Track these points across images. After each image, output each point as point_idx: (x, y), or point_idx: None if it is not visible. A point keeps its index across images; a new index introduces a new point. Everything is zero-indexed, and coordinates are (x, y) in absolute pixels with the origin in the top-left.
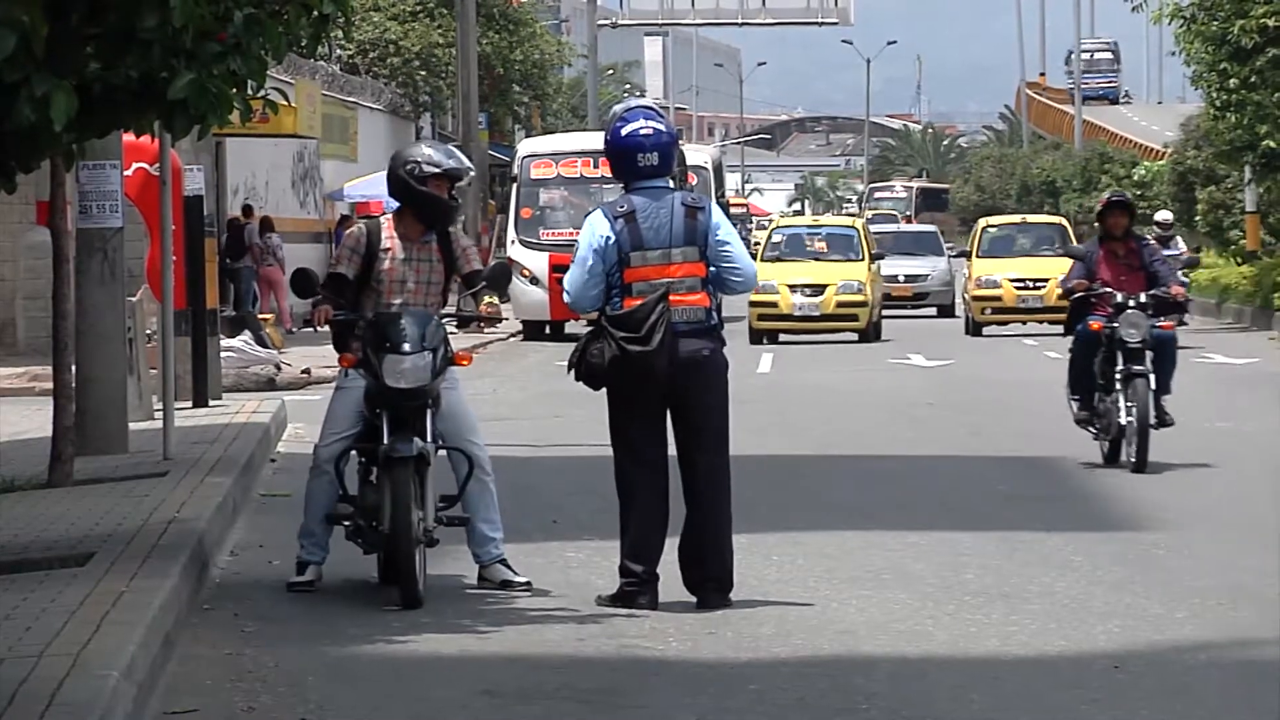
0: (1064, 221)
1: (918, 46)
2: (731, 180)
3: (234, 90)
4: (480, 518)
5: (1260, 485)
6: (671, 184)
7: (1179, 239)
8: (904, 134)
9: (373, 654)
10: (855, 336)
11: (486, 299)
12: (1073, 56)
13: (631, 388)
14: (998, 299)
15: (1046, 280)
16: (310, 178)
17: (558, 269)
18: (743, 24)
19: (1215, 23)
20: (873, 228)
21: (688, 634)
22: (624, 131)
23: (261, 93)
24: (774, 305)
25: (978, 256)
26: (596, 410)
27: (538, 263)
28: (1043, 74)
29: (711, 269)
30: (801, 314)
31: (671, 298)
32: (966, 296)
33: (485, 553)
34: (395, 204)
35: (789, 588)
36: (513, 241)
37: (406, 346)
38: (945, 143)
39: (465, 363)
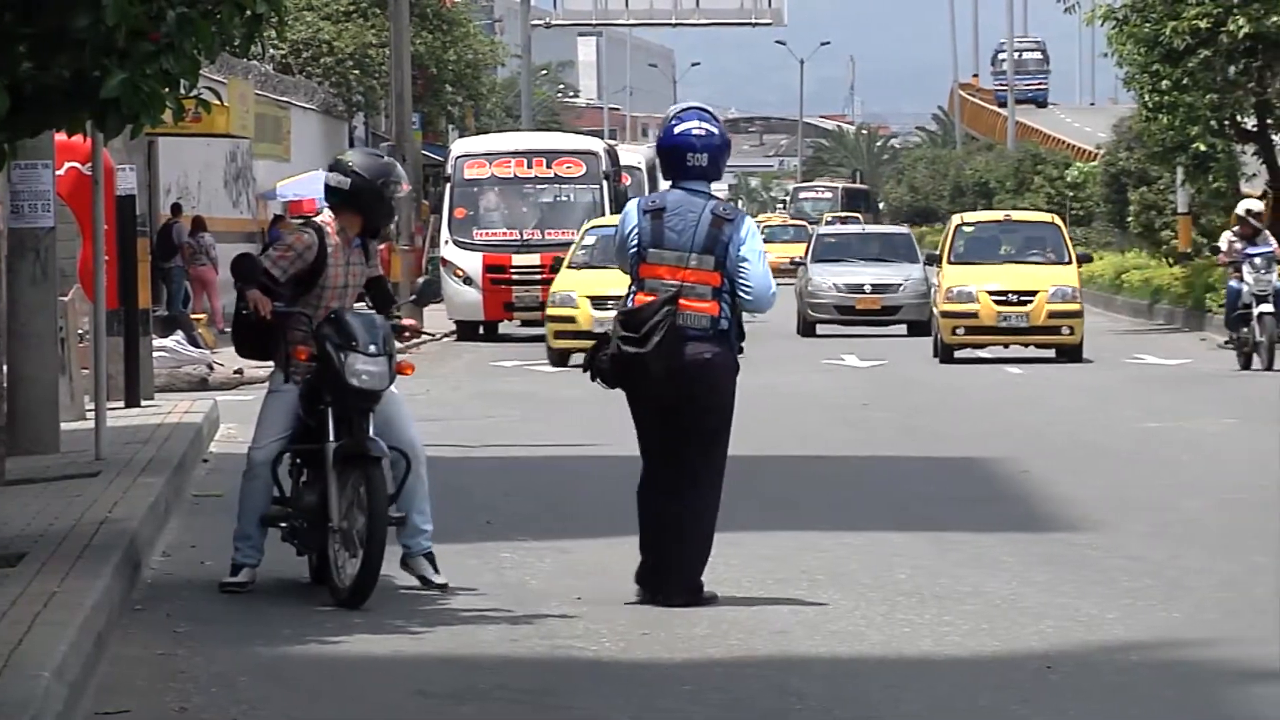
0: (1058, 220)
1: (851, 47)
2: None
3: (166, 90)
4: (413, 509)
5: (1192, 485)
6: (711, 189)
7: (1267, 233)
8: (838, 135)
9: (305, 655)
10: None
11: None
12: (1000, 57)
13: (631, 387)
14: (973, 315)
15: (1034, 294)
16: (243, 177)
17: (491, 269)
18: (676, 24)
19: (1147, 25)
20: (838, 229)
21: (621, 634)
22: (677, 130)
23: (194, 92)
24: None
25: (950, 263)
26: (531, 410)
27: (471, 263)
28: (975, 75)
29: (726, 281)
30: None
31: (684, 302)
32: (935, 311)
33: (416, 544)
34: (326, 204)
35: (724, 588)
36: (446, 242)
37: (372, 348)
38: (879, 144)
39: (409, 371)
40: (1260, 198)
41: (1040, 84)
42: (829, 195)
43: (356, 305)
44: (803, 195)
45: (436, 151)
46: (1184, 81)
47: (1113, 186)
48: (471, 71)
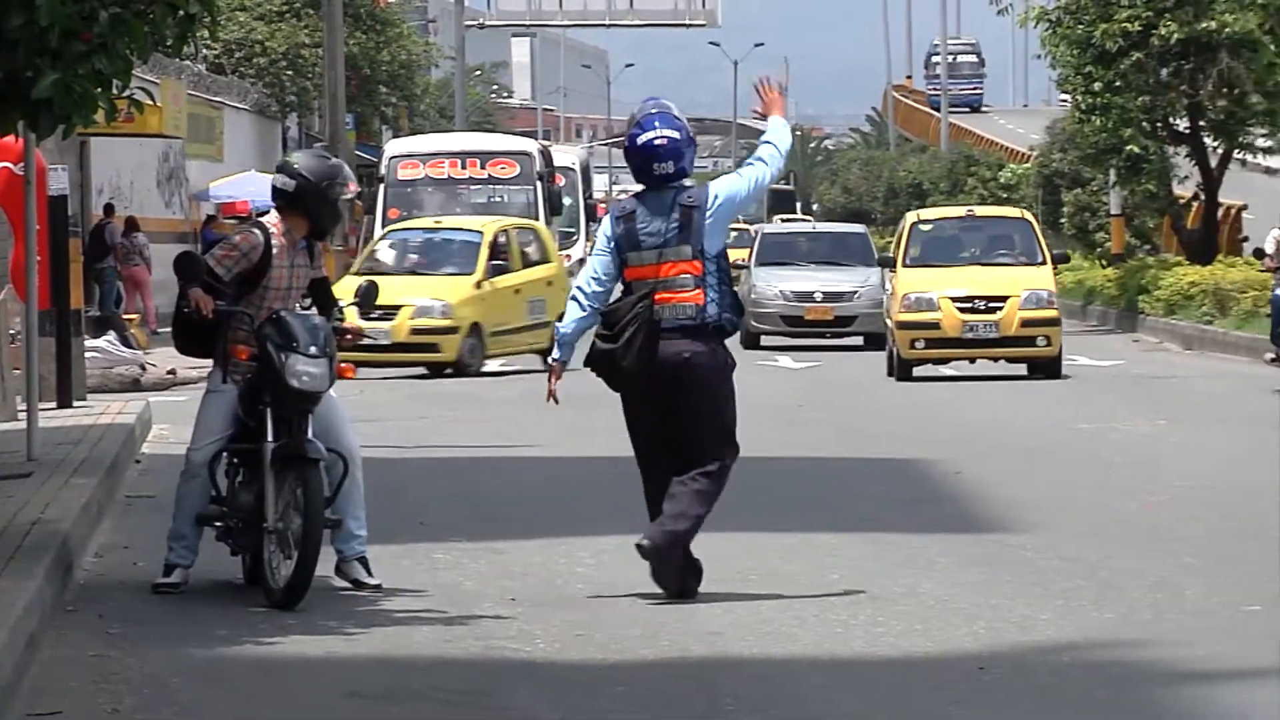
0: (1028, 215)
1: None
2: (600, 181)
3: (99, 90)
4: (349, 514)
5: (1125, 486)
6: (684, 184)
7: None
8: None
9: (239, 656)
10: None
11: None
12: (933, 60)
13: (613, 383)
14: (934, 326)
15: (1004, 299)
16: (176, 178)
17: None
18: (610, 25)
19: (1080, 27)
20: (784, 228)
21: (555, 635)
22: (640, 140)
23: (127, 92)
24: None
25: (906, 266)
26: (464, 411)
27: None
28: (909, 77)
29: (709, 265)
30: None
31: (661, 295)
32: (889, 323)
33: (349, 548)
34: (267, 205)
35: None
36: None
37: (313, 350)
38: (813, 145)
39: (350, 374)
40: (1192, 199)
41: (975, 88)
42: None
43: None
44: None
45: (370, 152)
46: (1116, 84)
47: (1046, 188)
48: (405, 72)
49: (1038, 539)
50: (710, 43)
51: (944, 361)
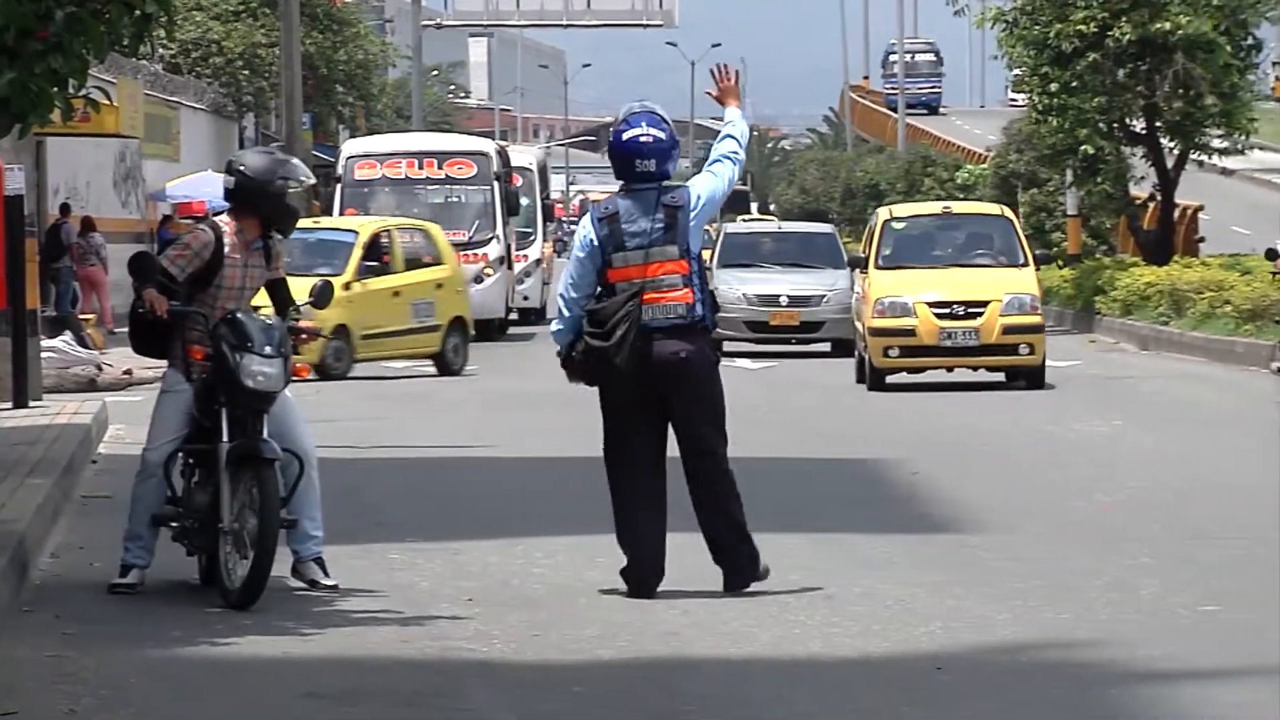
0: (1008, 212)
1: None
2: (557, 181)
3: (55, 89)
4: (305, 515)
5: (1082, 486)
6: (665, 184)
7: None
8: None
9: (195, 656)
10: None
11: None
12: (890, 59)
13: (602, 383)
14: (909, 333)
15: (985, 304)
16: (132, 178)
17: None
18: (567, 25)
19: (1037, 28)
20: (749, 228)
21: (512, 636)
22: (625, 136)
23: (83, 92)
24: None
25: (878, 267)
26: (422, 411)
27: None
28: (866, 77)
29: (694, 264)
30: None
31: (650, 295)
32: (861, 328)
33: (306, 549)
34: (223, 205)
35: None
36: None
37: (268, 350)
38: (770, 145)
39: (305, 374)
40: (1149, 200)
41: (934, 88)
42: None
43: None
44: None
45: (327, 152)
46: (1073, 85)
47: (1003, 189)
48: (362, 72)
49: (994, 539)
50: (668, 43)
51: (919, 370)
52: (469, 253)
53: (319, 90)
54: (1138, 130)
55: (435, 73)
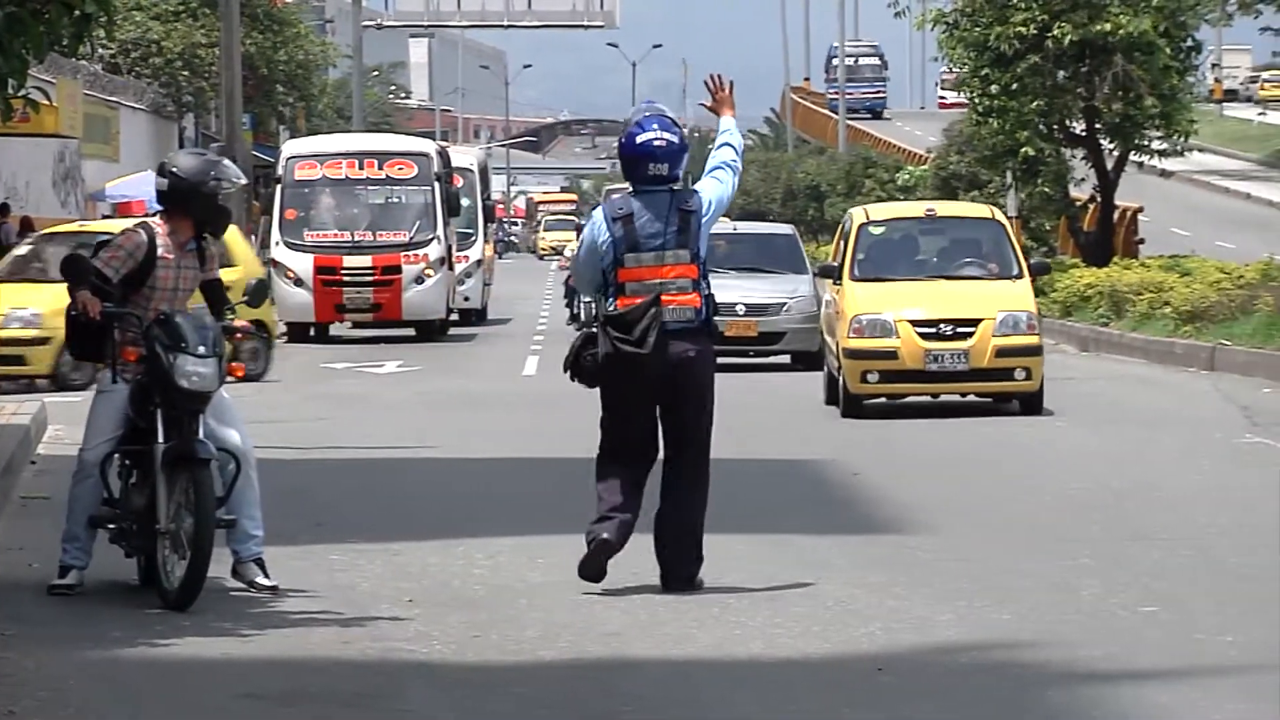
0: (1000, 215)
1: (684, 50)
2: (498, 182)
3: None
4: (244, 515)
5: (1021, 487)
6: (675, 188)
7: None
8: None
9: (135, 657)
10: None
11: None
12: (834, 62)
13: (624, 386)
14: (890, 355)
15: (976, 323)
16: (72, 178)
17: (322, 270)
18: (508, 26)
19: (977, 29)
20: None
21: (452, 637)
22: (639, 139)
23: (22, 92)
24: None
25: (854, 279)
26: (363, 411)
27: (302, 264)
28: (807, 79)
29: (702, 269)
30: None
31: (664, 298)
32: (833, 346)
33: (245, 549)
34: (158, 206)
35: (554, 589)
36: (277, 243)
37: (202, 350)
38: (711, 146)
39: (239, 373)
40: (1089, 201)
41: (878, 92)
42: None
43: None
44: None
45: (267, 152)
46: (1013, 87)
47: (943, 190)
48: (303, 72)
49: (935, 540)
50: (609, 44)
51: (900, 397)
52: (410, 253)
53: (259, 90)
54: (1078, 132)
55: (376, 73)
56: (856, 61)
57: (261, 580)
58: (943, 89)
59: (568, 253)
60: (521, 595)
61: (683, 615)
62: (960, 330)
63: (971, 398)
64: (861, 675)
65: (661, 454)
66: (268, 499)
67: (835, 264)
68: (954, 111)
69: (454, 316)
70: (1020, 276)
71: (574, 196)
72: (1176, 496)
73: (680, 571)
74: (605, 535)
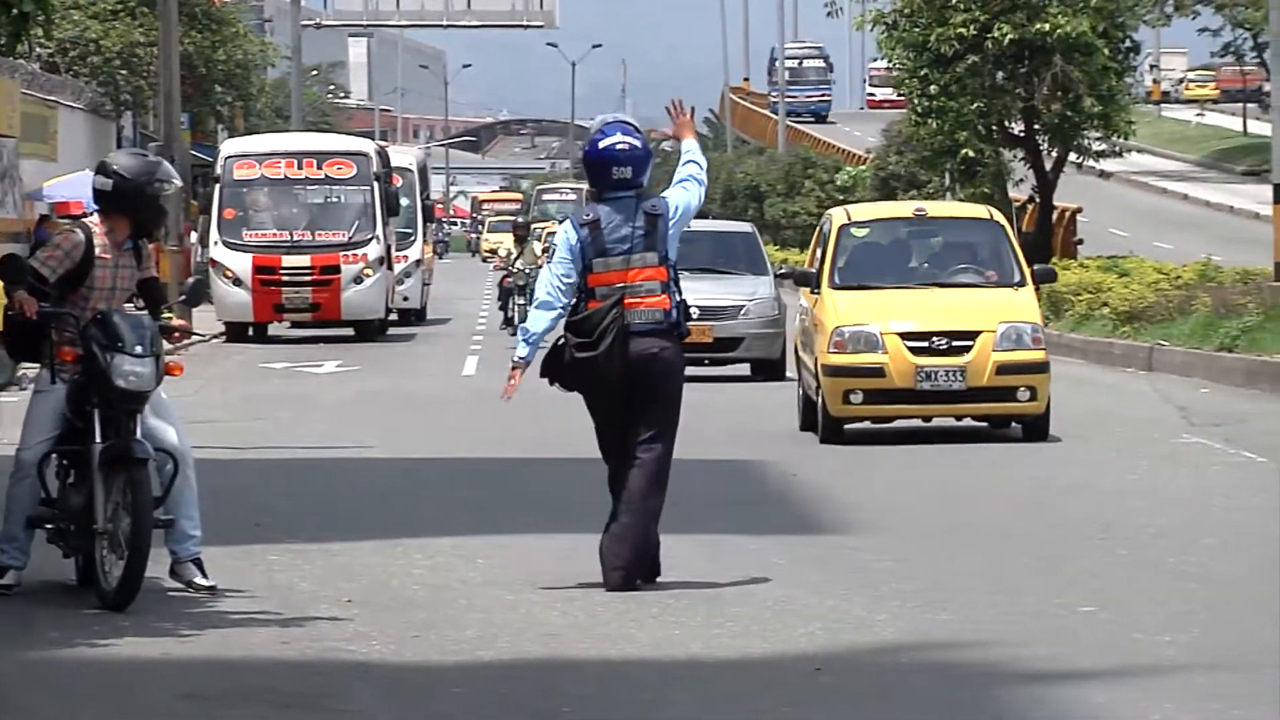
0: (998, 216)
1: (623, 51)
2: (437, 182)
3: None
4: (182, 515)
5: (959, 488)
6: (638, 193)
7: None
8: None
9: (73, 657)
10: None
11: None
12: (776, 64)
13: (589, 389)
14: (877, 372)
15: (974, 335)
16: (9, 177)
17: (261, 270)
18: (448, 26)
19: (916, 30)
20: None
21: (391, 637)
22: (601, 145)
23: None
24: None
25: (834, 286)
26: (302, 411)
27: (241, 264)
28: (746, 79)
29: (671, 271)
30: None
31: (630, 300)
32: (809, 363)
33: (184, 549)
34: (95, 206)
35: (493, 590)
36: (215, 243)
37: (139, 349)
38: (650, 146)
39: (177, 372)
40: (1028, 202)
41: (824, 95)
42: (573, 197)
43: (127, 306)
44: (546, 197)
45: (206, 152)
46: (952, 87)
47: (882, 190)
48: (241, 72)
49: (874, 541)
50: (548, 44)
51: (887, 420)
52: (349, 253)
53: (197, 90)
54: (1016, 132)
55: (315, 73)
56: (801, 64)
57: (200, 580)
58: (871, 85)
59: (502, 253)
60: (461, 595)
61: (622, 615)
62: (956, 344)
63: (967, 421)
64: (801, 675)
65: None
66: (206, 499)
67: (812, 270)
68: (890, 112)
69: (393, 316)
70: (1022, 284)
71: (519, 196)
72: (1114, 496)
73: (641, 568)
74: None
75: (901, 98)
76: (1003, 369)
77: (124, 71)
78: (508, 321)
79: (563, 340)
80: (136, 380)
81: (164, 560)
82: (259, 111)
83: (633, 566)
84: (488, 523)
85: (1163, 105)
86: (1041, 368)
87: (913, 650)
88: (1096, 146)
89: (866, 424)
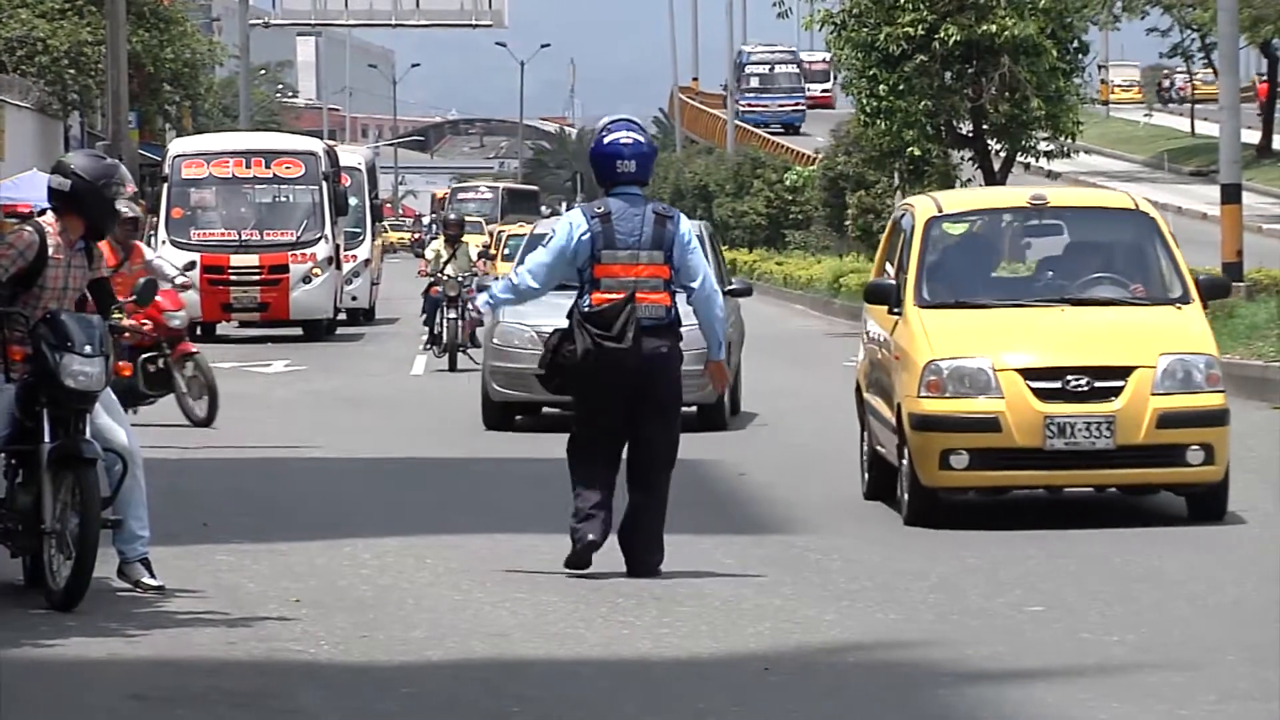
0: (1150, 208)
1: (572, 50)
2: (386, 181)
3: None
4: (130, 515)
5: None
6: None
7: None
8: (559, 137)
9: (19, 658)
10: None
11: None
12: (746, 70)
13: (605, 379)
14: (991, 425)
15: (1127, 371)
16: None
17: (209, 270)
18: (396, 25)
19: (864, 30)
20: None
21: (339, 637)
22: (606, 140)
23: None
24: None
25: (921, 304)
26: (250, 411)
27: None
28: (695, 78)
29: (672, 271)
30: None
31: (640, 296)
32: (883, 409)
33: (132, 549)
34: (47, 206)
35: (441, 589)
36: (164, 242)
37: (88, 349)
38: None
39: (126, 373)
40: None
41: (796, 105)
42: (490, 196)
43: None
44: (462, 196)
45: (154, 151)
46: (900, 87)
47: (831, 190)
48: (189, 71)
49: (821, 540)
50: (497, 43)
51: (1003, 490)
52: (297, 253)
53: (145, 89)
54: (965, 133)
55: (263, 72)
56: (772, 70)
57: (148, 580)
58: (807, 81)
59: (429, 254)
60: (409, 595)
61: (570, 615)
62: (1100, 385)
63: (1111, 491)
64: (750, 675)
65: (630, 443)
66: (153, 499)
67: (889, 281)
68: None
69: (342, 316)
70: (1186, 300)
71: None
72: (1058, 498)
73: (648, 560)
74: (591, 536)
75: (827, 94)
76: (1166, 420)
77: (72, 71)
78: (434, 340)
79: (559, 335)
80: (85, 380)
81: (112, 560)
82: (207, 111)
83: (658, 549)
84: (436, 523)
85: (1111, 106)
86: (1219, 418)
87: (861, 650)
88: (1044, 147)
89: (971, 495)
